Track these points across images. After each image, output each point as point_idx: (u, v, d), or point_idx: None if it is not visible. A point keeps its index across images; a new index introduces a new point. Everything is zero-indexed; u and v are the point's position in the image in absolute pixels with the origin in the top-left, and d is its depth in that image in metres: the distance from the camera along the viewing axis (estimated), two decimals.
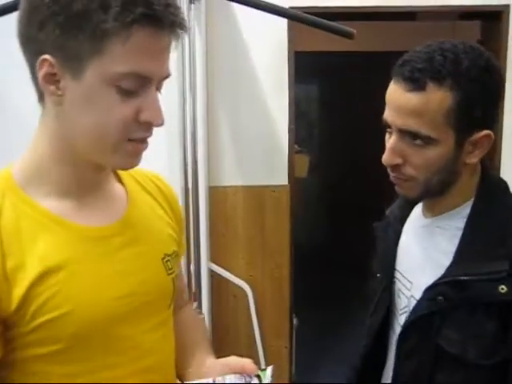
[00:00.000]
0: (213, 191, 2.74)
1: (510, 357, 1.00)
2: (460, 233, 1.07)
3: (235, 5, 2.43)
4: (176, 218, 1.11)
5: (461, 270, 1.03)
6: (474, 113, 1.01)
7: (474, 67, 1.00)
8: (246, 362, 0.99)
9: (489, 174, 1.12)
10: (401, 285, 1.19)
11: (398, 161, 1.06)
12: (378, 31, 3.96)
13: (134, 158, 0.90)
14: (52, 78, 0.83)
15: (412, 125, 1.01)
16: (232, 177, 2.77)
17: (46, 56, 0.81)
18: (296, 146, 3.77)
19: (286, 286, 2.84)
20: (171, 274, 1.02)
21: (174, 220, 1.10)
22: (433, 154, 1.03)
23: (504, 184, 1.14)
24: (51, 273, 0.85)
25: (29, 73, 0.87)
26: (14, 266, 0.83)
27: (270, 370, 0.97)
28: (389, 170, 1.09)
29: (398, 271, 1.21)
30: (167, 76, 0.88)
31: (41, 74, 0.83)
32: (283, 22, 2.63)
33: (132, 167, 0.93)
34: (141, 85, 0.83)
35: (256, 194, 2.77)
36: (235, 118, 2.74)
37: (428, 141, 1.02)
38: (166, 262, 1.01)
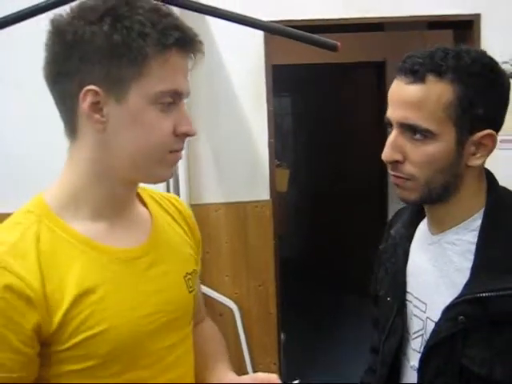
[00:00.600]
0: (195, 209, 2.68)
1: None
2: (473, 247, 1.02)
3: (209, 19, 2.41)
4: (194, 237, 1.16)
5: (481, 287, 0.98)
6: (475, 110, 0.99)
7: (476, 62, 0.99)
8: (273, 376, 1.03)
9: (495, 186, 1.08)
10: (413, 307, 1.13)
11: (398, 157, 1.03)
12: (349, 42, 3.99)
13: (172, 168, 0.99)
14: (96, 107, 0.89)
15: (411, 117, 0.99)
16: (213, 194, 2.74)
17: (91, 86, 0.88)
18: (276, 160, 3.77)
19: (273, 302, 2.81)
20: (192, 291, 1.07)
21: (192, 239, 1.15)
22: (433, 150, 1.00)
23: None
24: (86, 295, 0.90)
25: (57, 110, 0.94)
26: (53, 290, 0.88)
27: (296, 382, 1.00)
28: (389, 169, 1.06)
29: (410, 293, 1.15)
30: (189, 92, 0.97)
31: (85, 104, 0.89)
32: (259, 36, 2.63)
33: (169, 178, 1.01)
34: (175, 101, 0.92)
35: (238, 210, 2.75)
36: (214, 134, 2.72)
37: (428, 135, 0.99)
38: (188, 280, 1.06)
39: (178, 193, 2.39)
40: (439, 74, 0.98)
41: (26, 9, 1.11)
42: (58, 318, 0.88)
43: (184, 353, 1.05)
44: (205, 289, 2.70)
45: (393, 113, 1.03)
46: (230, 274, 2.77)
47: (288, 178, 3.62)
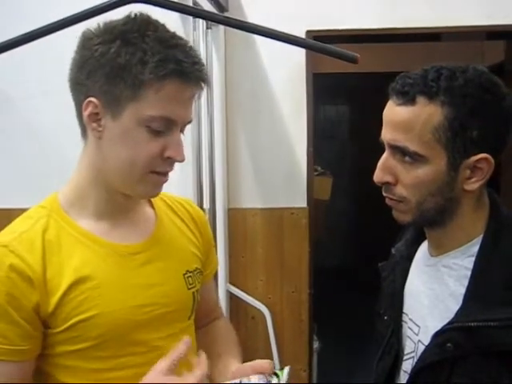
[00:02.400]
0: (232, 213, 2.75)
1: None
2: (469, 273, 0.99)
3: None
4: (203, 238, 1.22)
5: (471, 315, 0.94)
6: (468, 133, 0.95)
7: (469, 83, 0.95)
8: (265, 362, 1.07)
9: (499, 209, 1.03)
10: (408, 328, 1.11)
11: (389, 179, 1.01)
12: (402, 52, 3.94)
13: (155, 188, 1.05)
14: (95, 117, 0.98)
15: (400, 139, 0.97)
16: (251, 199, 2.78)
17: (92, 99, 0.96)
18: (319, 168, 3.78)
19: (305, 309, 2.81)
20: (192, 288, 1.12)
21: (200, 240, 1.20)
22: (423, 173, 0.97)
23: None
24: (82, 281, 0.99)
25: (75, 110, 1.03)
26: (53, 275, 0.98)
27: (287, 369, 1.06)
28: (383, 190, 1.04)
29: (406, 314, 1.12)
30: (190, 121, 1.03)
31: (86, 113, 0.98)
32: None
33: (153, 196, 1.09)
34: (167, 127, 0.98)
35: (275, 216, 2.77)
36: (254, 140, 2.76)
37: (417, 158, 0.97)
38: (188, 277, 1.12)
39: (213, 197, 2.44)
40: (430, 95, 0.95)
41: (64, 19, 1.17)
42: (54, 300, 0.97)
43: None
44: (238, 292, 2.74)
45: (384, 134, 1.02)
46: (263, 278, 2.80)
47: (331, 186, 3.61)
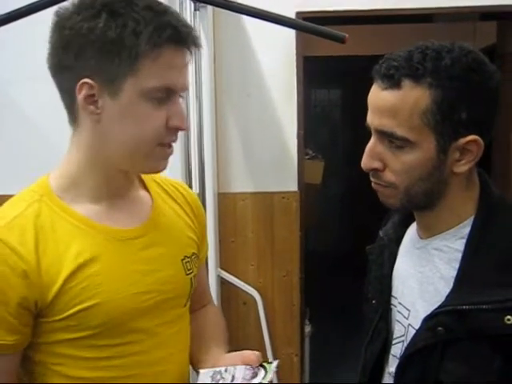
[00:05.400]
0: (222, 197, 2.73)
1: None
2: (460, 256, 0.97)
3: None
4: (198, 221, 1.19)
5: (461, 299, 0.93)
6: (457, 115, 0.92)
7: (456, 64, 0.92)
8: (252, 353, 1.06)
9: (489, 191, 1.02)
10: (397, 312, 1.09)
11: (377, 165, 0.99)
12: (395, 34, 3.90)
13: (163, 161, 1.02)
14: (91, 99, 0.93)
15: (387, 125, 0.95)
16: (241, 183, 2.75)
17: (86, 80, 0.92)
18: (310, 152, 3.75)
19: (296, 293, 2.80)
20: (189, 274, 1.11)
21: (195, 224, 1.18)
22: (412, 158, 0.95)
23: (507, 202, 1.04)
24: (80, 270, 0.96)
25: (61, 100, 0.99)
26: (49, 264, 0.94)
27: (275, 363, 1.04)
28: (370, 175, 1.02)
29: (395, 297, 1.11)
30: (187, 88, 1.01)
31: (81, 96, 0.93)
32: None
33: (161, 170, 1.04)
34: (168, 96, 0.95)
35: (265, 201, 2.75)
36: (244, 124, 2.73)
37: (405, 143, 0.94)
38: (186, 263, 1.10)
39: (202, 181, 2.42)
40: (416, 78, 0.92)
41: (24, 6, 1.15)
42: (53, 291, 0.94)
43: (178, 331, 1.10)
44: (229, 277, 2.73)
45: (370, 119, 0.99)
46: (254, 263, 2.78)
47: (322, 170, 3.59)
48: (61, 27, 0.93)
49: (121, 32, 0.90)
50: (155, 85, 0.93)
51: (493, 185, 1.04)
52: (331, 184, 5.14)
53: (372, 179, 1.02)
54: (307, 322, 3.02)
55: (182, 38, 0.93)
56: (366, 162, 1.00)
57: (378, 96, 0.96)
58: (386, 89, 0.94)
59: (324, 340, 3.47)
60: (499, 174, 3.02)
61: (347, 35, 1.49)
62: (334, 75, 5.55)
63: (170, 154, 1.01)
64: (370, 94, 0.99)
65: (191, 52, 0.97)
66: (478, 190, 1.02)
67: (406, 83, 0.93)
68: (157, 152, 0.98)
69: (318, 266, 3.61)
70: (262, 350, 2.72)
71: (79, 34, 0.91)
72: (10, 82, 2.61)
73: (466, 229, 0.99)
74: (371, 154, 0.99)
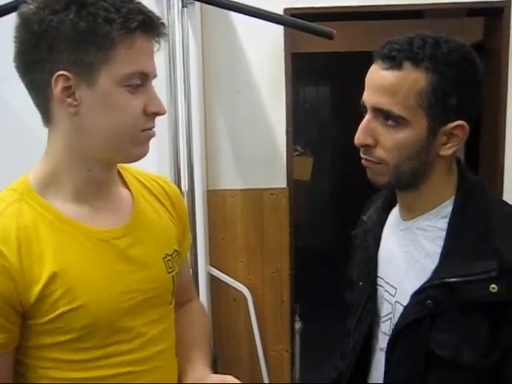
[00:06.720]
0: (211, 194, 2.73)
1: (503, 358, 0.98)
2: (443, 233, 1.05)
3: None
4: (180, 217, 1.19)
5: (448, 272, 1.00)
6: (449, 100, 1.00)
7: (453, 53, 1.00)
8: (233, 379, 1.04)
9: (466, 174, 1.10)
10: (384, 291, 1.16)
11: (370, 141, 1.04)
12: (385, 30, 3.91)
13: (146, 146, 1.02)
14: (68, 91, 0.93)
15: (385, 103, 1.00)
16: (230, 180, 2.75)
17: (61, 72, 0.91)
18: (299, 148, 3.76)
19: (286, 289, 2.81)
20: (171, 272, 1.11)
21: (176, 220, 1.17)
22: (404, 136, 1.01)
23: (481, 183, 1.12)
24: (63, 271, 0.95)
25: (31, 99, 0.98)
26: (31, 264, 0.93)
27: None
28: (361, 152, 1.07)
29: (381, 278, 1.17)
30: (156, 75, 1.01)
31: (58, 89, 0.92)
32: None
33: (145, 154, 1.03)
34: (142, 82, 0.96)
35: (254, 197, 2.75)
36: (233, 120, 2.73)
37: (399, 121, 1.00)
38: (167, 261, 1.10)
39: (191, 178, 2.41)
40: (416, 61, 0.99)
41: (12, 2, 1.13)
42: (36, 291, 0.93)
43: (164, 330, 1.10)
44: (219, 274, 2.73)
45: (367, 97, 1.04)
46: (244, 259, 2.79)
47: (311, 166, 3.60)
48: (27, 24, 0.93)
49: (93, 21, 0.90)
50: (131, 70, 0.93)
51: (468, 170, 1.12)
52: (320, 180, 5.14)
53: (363, 156, 1.07)
54: (297, 318, 3.02)
55: (152, 24, 0.95)
56: (359, 138, 1.05)
57: (379, 75, 1.02)
58: (386, 69, 1.01)
59: (314, 336, 3.47)
60: (486, 158, 3.00)
61: (335, 31, 1.49)
62: (323, 72, 5.56)
63: (152, 136, 1.02)
64: (369, 73, 1.05)
65: (159, 38, 0.98)
66: (456, 175, 1.10)
67: (407, 65, 0.99)
68: (141, 137, 0.99)
69: (307, 262, 3.62)
70: (253, 346, 2.73)
71: (49, 27, 0.90)
72: None
73: (447, 208, 1.07)
74: (365, 131, 1.05)
